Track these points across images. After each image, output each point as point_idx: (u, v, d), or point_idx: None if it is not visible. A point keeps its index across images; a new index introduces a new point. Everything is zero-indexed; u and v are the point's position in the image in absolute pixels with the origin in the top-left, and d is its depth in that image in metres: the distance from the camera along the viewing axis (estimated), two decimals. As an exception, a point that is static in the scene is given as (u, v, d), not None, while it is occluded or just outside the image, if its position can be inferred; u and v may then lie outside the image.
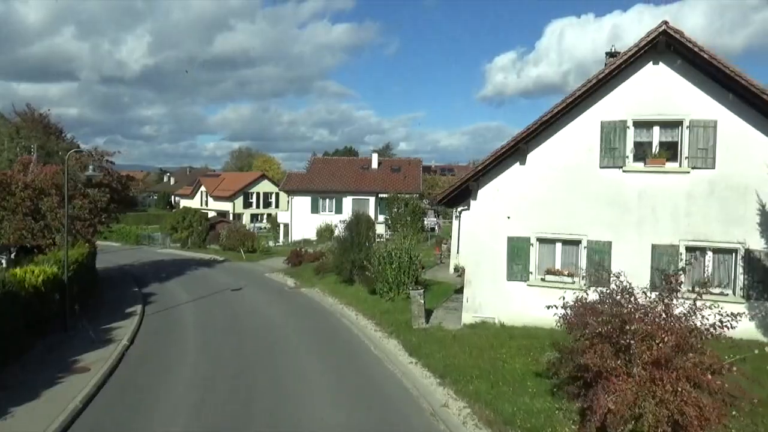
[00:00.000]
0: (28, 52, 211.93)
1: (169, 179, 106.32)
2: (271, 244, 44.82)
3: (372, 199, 46.65)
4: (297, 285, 24.54)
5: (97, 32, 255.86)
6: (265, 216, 66.02)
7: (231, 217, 60.83)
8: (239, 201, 64.90)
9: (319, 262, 26.29)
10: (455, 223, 24.51)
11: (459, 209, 24.37)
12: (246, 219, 63.89)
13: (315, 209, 47.14)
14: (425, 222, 42.33)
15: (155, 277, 28.72)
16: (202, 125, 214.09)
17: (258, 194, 66.89)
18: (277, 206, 67.14)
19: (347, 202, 46.88)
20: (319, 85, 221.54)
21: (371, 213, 45.77)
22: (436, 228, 44.30)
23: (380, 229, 44.01)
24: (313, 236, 44.43)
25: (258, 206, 66.83)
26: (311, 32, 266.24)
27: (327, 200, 47.36)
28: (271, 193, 67.80)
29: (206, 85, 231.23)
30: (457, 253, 24.26)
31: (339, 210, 46.98)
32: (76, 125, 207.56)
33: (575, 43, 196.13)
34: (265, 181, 68.08)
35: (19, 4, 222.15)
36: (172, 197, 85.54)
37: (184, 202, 69.99)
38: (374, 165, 50.13)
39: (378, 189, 46.83)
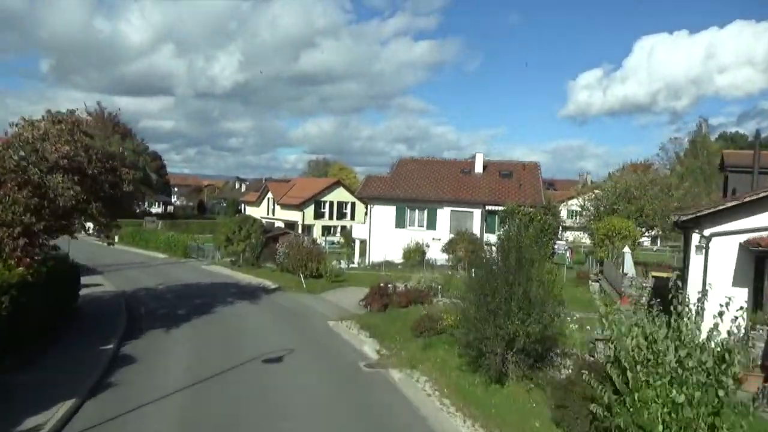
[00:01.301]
0: (130, 69, 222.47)
1: (241, 186, 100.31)
2: (342, 265, 34.35)
3: (477, 212, 35.15)
4: (382, 358, 13.45)
5: (193, 50, 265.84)
6: (338, 228, 56.27)
7: (300, 229, 51.48)
8: (309, 210, 55.55)
9: (421, 315, 15.03)
10: (695, 257, 12.56)
11: (707, 232, 12.45)
12: (317, 231, 54.38)
13: (401, 222, 36.28)
14: (555, 247, 30.20)
15: (168, 315, 18.85)
16: (284, 138, 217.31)
17: (331, 203, 57.34)
18: (352, 218, 57.30)
19: (443, 214, 35.69)
20: (398, 101, 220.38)
21: (476, 230, 34.32)
22: (568, 255, 31.99)
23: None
24: (397, 257, 33.59)
25: (331, 217, 57.23)
26: (393, 49, 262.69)
27: (417, 211, 36.38)
28: (347, 203, 58.09)
29: (290, 100, 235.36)
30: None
31: (432, 225, 35.89)
32: (172, 137, 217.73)
33: (666, 61, 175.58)
34: (340, 189, 58.45)
35: (124, 24, 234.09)
36: (242, 205, 78.33)
37: (249, 210, 61.79)
38: (478, 168, 38.62)
39: (484, 199, 35.32)
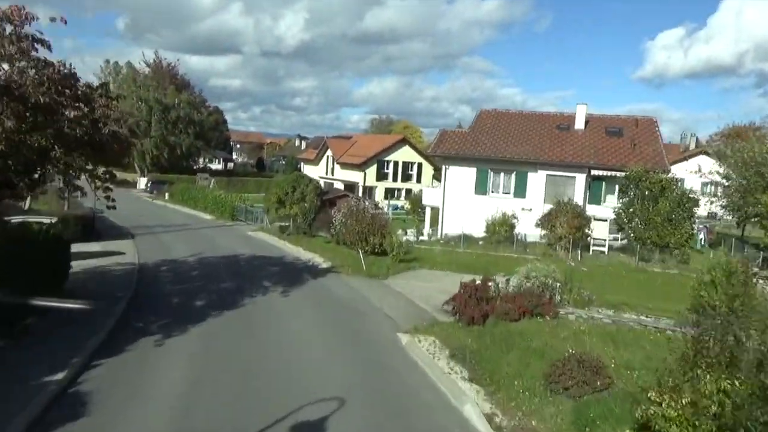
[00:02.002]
0: (200, 27, 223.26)
1: (301, 143, 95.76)
2: (410, 237, 28.55)
3: (580, 177, 28.14)
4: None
5: (260, 9, 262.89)
6: (403, 192, 50.39)
7: (360, 191, 45.97)
8: (371, 170, 49.73)
9: (566, 356, 8.75)
10: None
11: None
12: (379, 194, 48.77)
13: (482, 188, 29.83)
14: (694, 226, 22.89)
15: (179, 308, 13.81)
16: (347, 98, 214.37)
17: (396, 163, 51.21)
18: (419, 180, 51.15)
19: (536, 179, 28.90)
20: (463, 61, 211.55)
21: (578, 199, 27.40)
22: (703, 237, 24.59)
23: (600, 229, 25.52)
24: (477, 230, 27.37)
25: (395, 179, 51.22)
26: (460, 7, 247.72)
27: (502, 174, 29.76)
28: (413, 164, 51.86)
29: (353, 60, 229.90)
30: None
31: (521, 192, 29.23)
32: (239, 95, 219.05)
33: (757, 20, 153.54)
34: (406, 147, 52.14)
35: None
36: (300, 163, 73.71)
37: (307, 169, 56.85)
38: (579, 124, 31.25)
39: (588, 161, 28.20)
